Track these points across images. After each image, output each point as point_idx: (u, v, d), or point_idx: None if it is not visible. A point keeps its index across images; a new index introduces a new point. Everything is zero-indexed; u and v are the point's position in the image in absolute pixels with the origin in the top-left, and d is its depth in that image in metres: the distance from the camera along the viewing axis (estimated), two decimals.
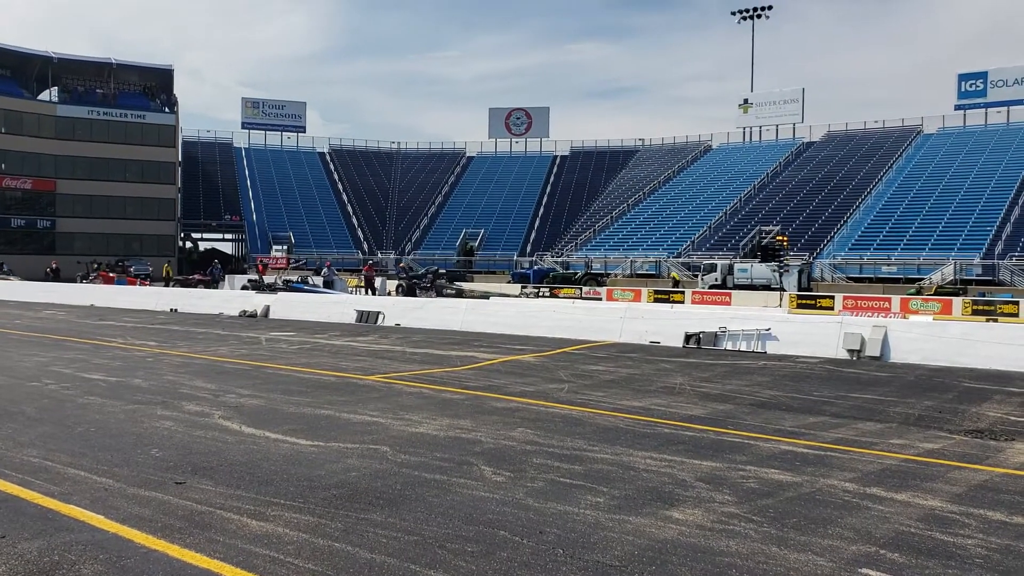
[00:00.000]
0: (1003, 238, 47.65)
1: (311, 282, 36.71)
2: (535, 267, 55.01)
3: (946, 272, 44.34)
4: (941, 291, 39.05)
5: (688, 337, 16.29)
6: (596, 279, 48.73)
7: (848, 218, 55.61)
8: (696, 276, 47.09)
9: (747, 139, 75.53)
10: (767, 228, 50.82)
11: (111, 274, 45.45)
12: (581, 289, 43.42)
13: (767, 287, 41.54)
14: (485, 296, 34.14)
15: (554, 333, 18.05)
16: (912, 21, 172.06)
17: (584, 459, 6.87)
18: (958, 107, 65.23)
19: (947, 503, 5.73)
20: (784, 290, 39.31)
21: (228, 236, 78.01)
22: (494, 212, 74.79)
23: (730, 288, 42.19)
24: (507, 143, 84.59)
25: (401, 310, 21.81)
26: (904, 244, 49.73)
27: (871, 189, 59.21)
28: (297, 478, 6.13)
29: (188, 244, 75.52)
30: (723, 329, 16.11)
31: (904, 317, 26.72)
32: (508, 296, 37.92)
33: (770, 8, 77.69)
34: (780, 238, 47.45)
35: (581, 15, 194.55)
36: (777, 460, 6.94)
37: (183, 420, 8.35)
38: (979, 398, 10.41)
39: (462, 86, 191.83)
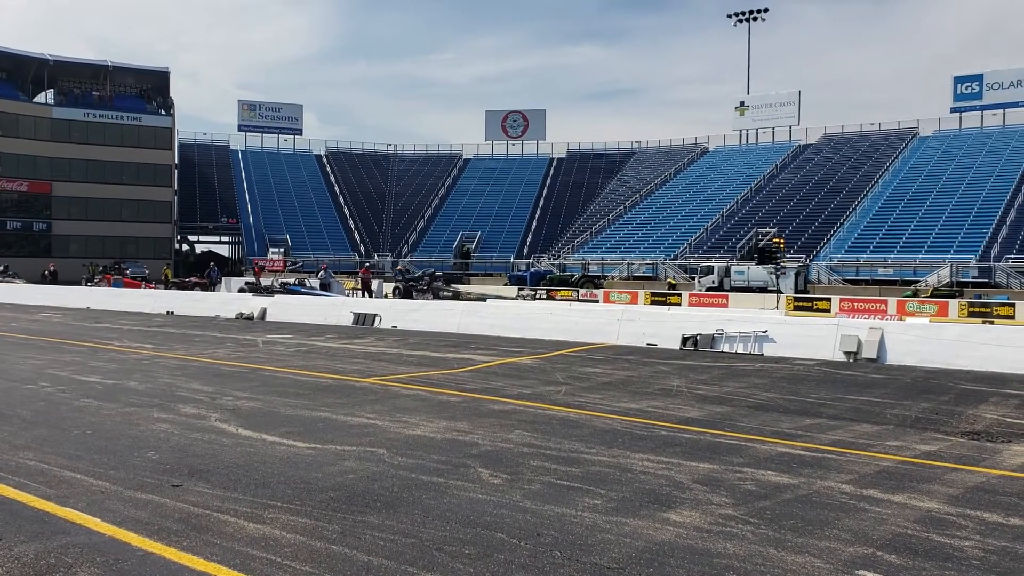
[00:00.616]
0: (999, 240, 47.73)
1: (308, 285, 36.69)
2: (532, 269, 55.00)
3: (942, 274, 44.41)
4: (937, 293, 39.12)
5: (685, 339, 16.30)
6: (593, 281, 48.74)
7: (844, 220, 55.68)
8: (693, 278, 47.13)
9: (743, 141, 75.62)
10: (764, 230, 50.89)
11: (115, 277, 45.14)
12: (578, 291, 43.44)
13: (764, 289, 41.60)
14: (482, 298, 34.13)
15: (551, 335, 18.05)
16: (908, 24, 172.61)
17: (581, 461, 6.87)
18: (954, 109, 65.36)
19: (944, 505, 5.73)
20: (781, 292, 39.36)
21: (224, 239, 77.91)
22: (491, 214, 74.77)
23: (727, 290, 42.25)
24: (504, 145, 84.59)
25: (398, 312, 21.80)
26: (900, 246, 49.80)
27: (867, 191, 59.29)
28: (294, 481, 6.12)
29: (184, 247, 75.41)
30: (720, 331, 16.13)
31: (900, 319, 26.79)
32: (505, 298, 37.94)
33: (766, 11, 77.80)
34: (777, 240, 47.50)
35: (577, 18, 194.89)
36: (774, 462, 6.95)
37: (180, 423, 8.34)
38: (976, 400, 10.42)
39: (459, 88, 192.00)
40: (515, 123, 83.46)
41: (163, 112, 69.88)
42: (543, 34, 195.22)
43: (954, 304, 32.72)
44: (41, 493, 5.71)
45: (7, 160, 62.42)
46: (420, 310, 22.05)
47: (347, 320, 21.96)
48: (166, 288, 39.44)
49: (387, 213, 78.01)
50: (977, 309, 31.61)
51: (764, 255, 45.82)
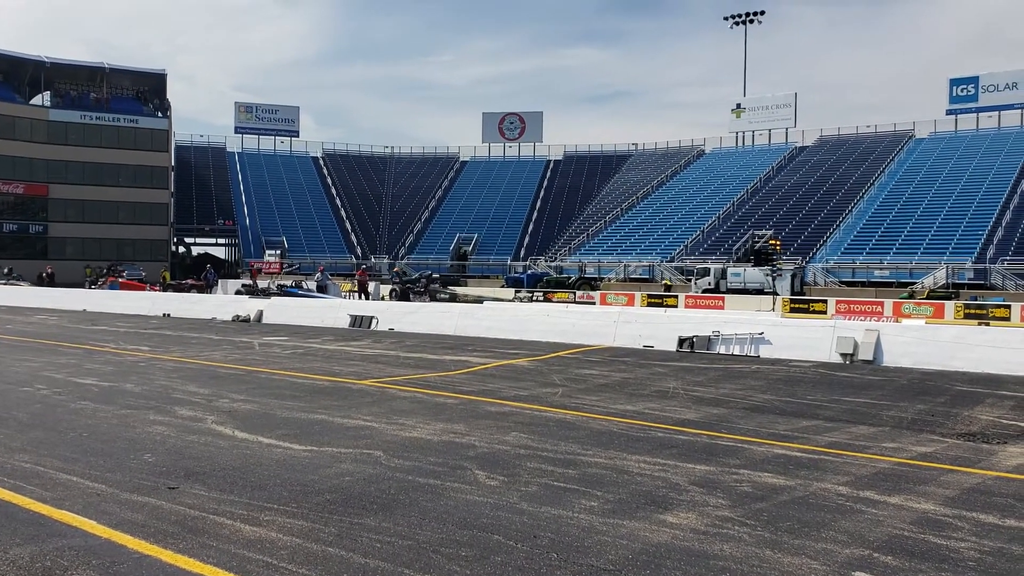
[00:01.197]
0: (995, 242, 47.85)
1: (305, 287, 36.65)
2: (529, 271, 55.03)
3: (938, 276, 44.51)
4: (933, 295, 39.20)
5: (682, 341, 16.31)
6: (590, 283, 48.76)
7: (841, 222, 55.78)
8: (689, 280, 47.17)
9: (740, 143, 75.74)
10: (760, 232, 50.97)
11: (126, 279, 44.92)
12: (575, 293, 43.46)
13: (760, 291, 41.66)
14: (479, 300, 34.11)
15: (548, 337, 18.05)
16: (904, 26, 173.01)
17: (578, 463, 6.87)
18: (950, 111, 65.54)
19: (940, 506, 5.74)
20: (777, 294, 39.43)
21: (221, 241, 77.81)
22: (488, 217, 74.79)
23: (723, 292, 42.30)
24: (501, 148, 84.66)
25: (395, 314, 21.79)
26: (896, 248, 49.89)
27: (863, 193, 59.40)
28: (290, 483, 6.12)
29: (181, 249, 75.32)
30: (717, 333, 16.14)
31: (897, 321, 26.82)
32: (502, 300, 37.89)
33: (762, 13, 78.02)
34: (773, 242, 47.57)
35: (574, 20, 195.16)
36: (771, 464, 6.95)
37: (176, 425, 8.33)
38: (972, 402, 10.44)
39: (456, 91, 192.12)
40: (512, 125, 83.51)
41: (160, 114, 69.81)
42: (540, 36, 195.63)
43: (950, 306, 32.80)
44: (37, 496, 5.70)
45: (3, 162, 62.31)
46: (417, 312, 22.04)
47: (344, 322, 21.94)
48: (164, 291, 39.34)
49: (384, 215, 78.01)
50: (973, 311, 31.67)
51: (760, 257, 45.90)
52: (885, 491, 6.11)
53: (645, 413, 9.34)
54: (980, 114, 64.48)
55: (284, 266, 57.07)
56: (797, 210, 58.88)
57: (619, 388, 11.30)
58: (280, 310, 24.15)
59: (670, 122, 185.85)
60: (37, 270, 51.01)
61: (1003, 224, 49.91)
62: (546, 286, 46.82)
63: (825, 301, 35.38)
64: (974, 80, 64.27)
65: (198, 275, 47.90)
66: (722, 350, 15.84)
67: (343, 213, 76.47)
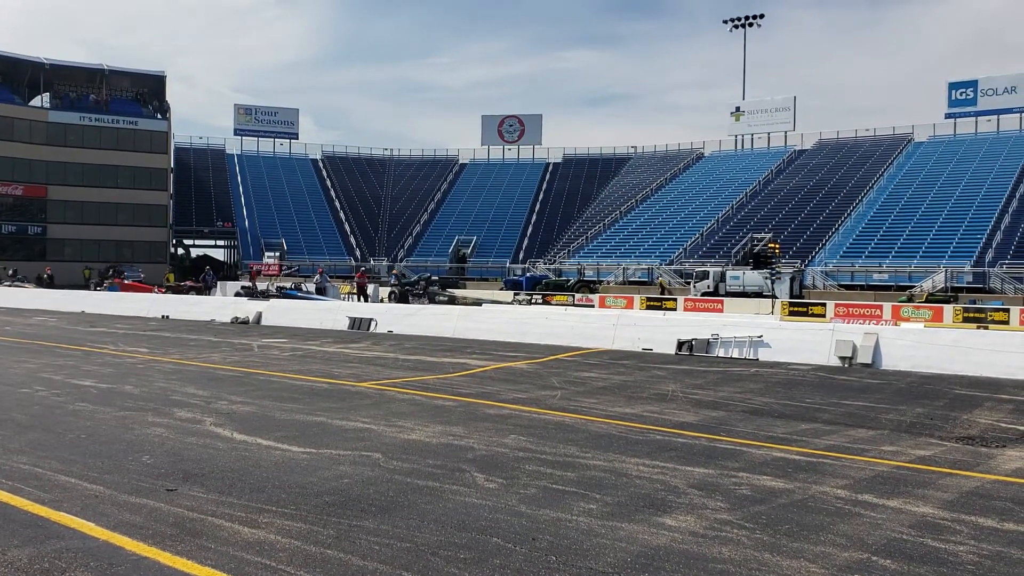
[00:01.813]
0: (993, 246, 47.89)
1: (304, 289, 36.64)
2: (528, 274, 55.04)
3: (937, 280, 44.51)
4: (932, 298, 39.19)
5: (680, 344, 16.31)
6: (588, 286, 48.78)
7: (840, 226, 55.82)
8: (688, 283, 47.17)
9: (739, 147, 75.77)
10: (759, 235, 50.96)
11: (127, 281, 44.84)
12: (574, 296, 43.45)
13: (759, 294, 41.65)
14: (478, 303, 34.12)
15: (546, 340, 18.05)
16: (903, 30, 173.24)
17: (577, 466, 6.87)
18: (948, 115, 65.60)
19: (939, 510, 5.74)
20: (776, 297, 39.41)
21: (220, 243, 77.78)
22: (487, 219, 74.81)
23: (722, 295, 42.31)
24: (500, 150, 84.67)
25: (393, 317, 21.78)
26: (895, 252, 49.93)
27: (862, 197, 59.45)
28: (289, 485, 6.11)
29: (180, 251, 75.30)
30: (715, 336, 16.14)
31: (895, 324, 26.83)
32: (501, 303, 37.90)
33: (762, 16, 78.20)
34: (772, 245, 47.60)
35: (573, 23, 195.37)
36: (769, 467, 6.95)
37: (174, 427, 8.32)
38: (970, 405, 10.44)
39: (455, 93, 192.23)
40: (511, 128, 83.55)
41: (159, 116, 69.80)
42: (540, 39, 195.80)
43: (949, 309, 32.81)
44: (35, 497, 5.69)
45: (2, 163, 62.28)
46: (416, 314, 22.04)
47: (343, 324, 21.94)
48: (165, 292, 39.28)
49: (383, 217, 78.02)
50: (972, 314, 31.69)
51: (759, 260, 45.91)
52: (884, 494, 6.11)
53: (644, 416, 9.34)
54: (979, 118, 64.54)
55: (283, 268, 57.08)
56: (796, 213, 58.93)
57: (618, 391, 11.30)
58: (279, 312, 24.14)
59: (669, 125, 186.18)
60: (36, 271, 51.02)
61: (1002, 228, 49.96)
62: (545, 289, 46.82)
63: (824, 304, 35.40)
64: (973, 84, 64.36)
65: (197, 277, 47.91)
66: (721, 353, 15.84)
67: (342, 215, 76.46)
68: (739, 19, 78.35)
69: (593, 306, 39.08)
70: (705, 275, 45.45)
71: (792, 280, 43.08)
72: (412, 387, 11.40)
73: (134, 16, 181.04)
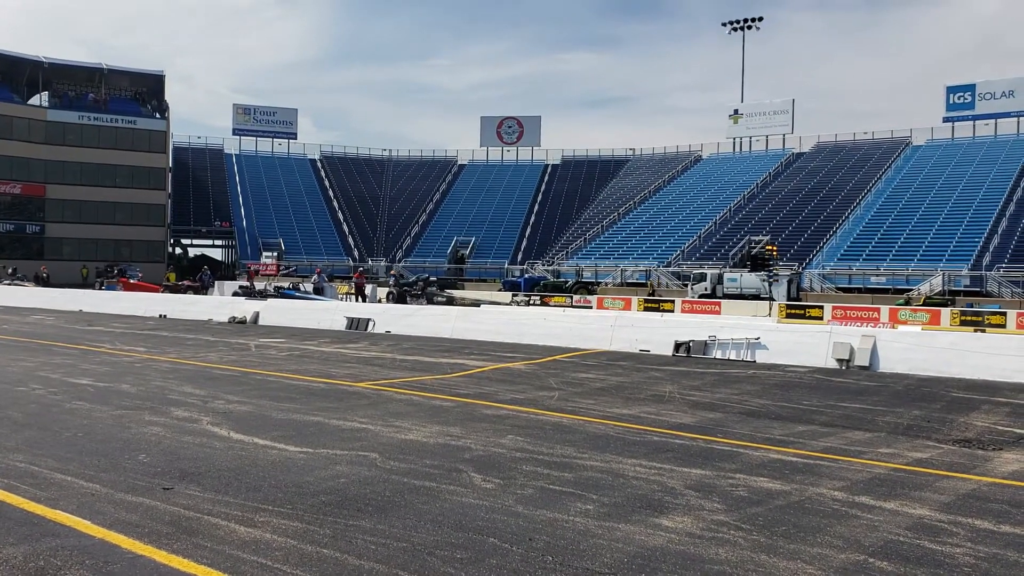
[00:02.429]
0: (991, 249, 47.96)
1: (302, 289, 36.61)
2: (526, 275, 55.08)
3: (934, 283, 44.58)
4: (929, 302, 39.23)
5: (678, 346, 16.31)
6: (587, 287, 48.82)
7: (837, 228, 55.87)
8: (686, 285, 47.19)
9: (737, 149, 75.82)
10: (757, 238, 51.04)
11: (131, 280, 44.70)
12: (572, 297, 43.46)
13: (756, 297, 41.65)
14: (476, 304, 34.13)
15: (544, 341, 18.05)
16: (901, 33, 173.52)
17: (574, 466, 6.87)
18: (946, 119, 65.69)
19: (935, 512, 5.75)
20: (773, 300, 39.43)
21: (218, 242, 77.73)
22: (485, 220, 74.82)
23: (719, 298, 42.29)
24: (499, 151, 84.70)
25: (392, 317, 21.77)
26: (893, 255, 49.98)
27: (860, 200, 59.51)
28: (285, 484, 6.11)
29: (178, 250, 75.24)
30: (713, 338, 16.14)
31: (893, 327, 26.84)
32: (499, 304, 37.89)
33: (761, 19, 78.31)
34: (770, 248, 47.63)
35: (572, 25, 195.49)
36: (766, 468, 6.95)
37: (171, 426, 8.31)
38: (967, 408, 10.45)
39: (454, 94, 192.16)
40: (510, 129, 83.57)
41: (158, 115, 69.74)
42: (538, 41, 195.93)
43: (946, 312, 32.82)
44: (31, 495, 5.68)
45: (1, 162, 62.18)
46: (414, 315, 22.03)
47: (341, 325, 21.93)
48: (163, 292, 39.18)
49: (382, 218, 78.01)
50: (969, 318, 31.71)
51: (757, 262, 45.94)
52: (881, 496, 6.11)
53: (641, 417, 9.34)
54: (977, 122, 64.65)
55: (281, 268, 57.01)
56: (794, 216, 58.98)
57: (615, 392, 11.30)
58: (277, 312, 24.13)
59: (668, 127, 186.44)
60: (33, 270, 50.95)
61: (999, 231, 50.03)
62: (543, 290, 46.84)
63: (821, 307, 35.40)
64: (971, 88, 64.46)
65: (194, 277, 47.84)
66: (718, 355, 15.85)
67: (340, 216, 76.42)
68: (738, 21, 78.49)
69: (591, 307, 39.08)
70: (702, 277, 45.47)
71: (789, 283, 43.09)
72: (409, 387, 11.40)
73: (134, 16, 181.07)
